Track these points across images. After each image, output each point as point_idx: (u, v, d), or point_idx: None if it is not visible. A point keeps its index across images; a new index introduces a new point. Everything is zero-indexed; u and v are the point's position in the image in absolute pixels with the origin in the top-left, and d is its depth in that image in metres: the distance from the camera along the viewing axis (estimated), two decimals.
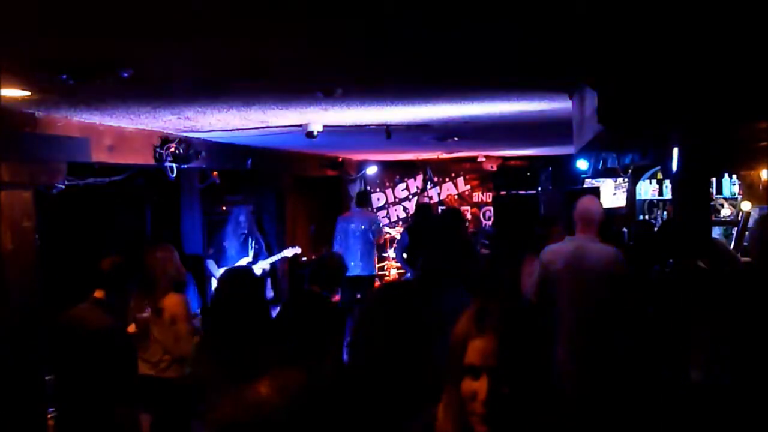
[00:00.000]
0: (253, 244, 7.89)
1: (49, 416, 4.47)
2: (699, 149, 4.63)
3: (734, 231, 9.09)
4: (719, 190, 9.80)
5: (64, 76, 3.23)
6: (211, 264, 7.71)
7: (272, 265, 8.02)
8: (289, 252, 8.01)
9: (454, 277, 5.09)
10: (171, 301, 4.50)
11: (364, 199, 9.24)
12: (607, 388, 4.38)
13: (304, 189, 10.27)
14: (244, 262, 7.78)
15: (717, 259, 5.42)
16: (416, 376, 2.63)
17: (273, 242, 8.46)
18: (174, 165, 5.86)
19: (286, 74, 3.66)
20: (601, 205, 4.79)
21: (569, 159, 10.43)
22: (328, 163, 10.15)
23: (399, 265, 9.78)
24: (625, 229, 8.67)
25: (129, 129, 5.47)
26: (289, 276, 8.98)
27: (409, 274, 8.37)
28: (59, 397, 4.19)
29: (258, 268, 7.79)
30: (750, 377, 2.82)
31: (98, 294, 4.09)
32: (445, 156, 11.32)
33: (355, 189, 11.90)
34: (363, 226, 8.85)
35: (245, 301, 3.50)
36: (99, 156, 5.08)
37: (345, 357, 4.41)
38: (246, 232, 7.84)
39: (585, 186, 10.42)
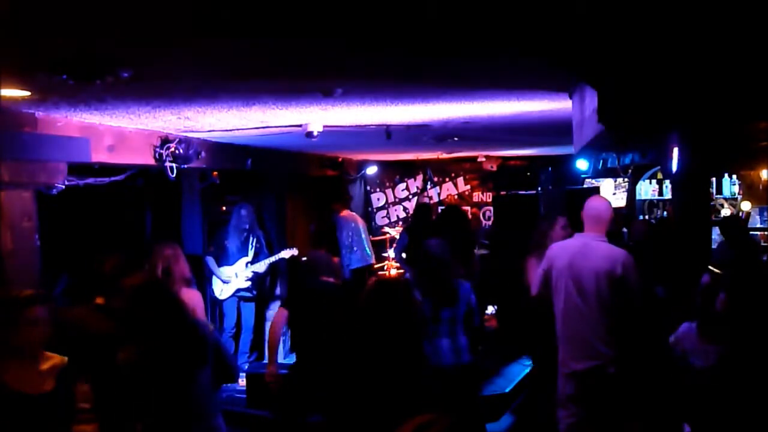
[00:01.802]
0: (254, 243, 7.88)
1: None
2: (699, 149, 4.63)
3: None
4: (719, 190, 9.81)
5: (64, 76, 3.24)
6: (211, 261, 7.71)
7: (271, 265, 8.02)
8: (286, 253, 8.03)
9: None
10: (187, 296, 4.53)
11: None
12: (609, 387, 4.38)
13: (304, 189, 10.26)
14: (242, 261, 7.77)
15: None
16: (407, 371, 2.64)
17: (273, 242, 8.47)
18: (174, 165, 5.86)
19: (286, 74, 3.67)
20: (610, 204, 4.80)
21: (569, 159, 10.43)
22: (328, 163, 10.15)
23: (399, 264, 9.79)
24: (625, 229, 8.67)
25: (129, 129, 5.47)
26: (288, 274, 8.98)
27: (408, 274, 8.39)
28: None
29: (249, 272, 7.81)
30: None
31: (99, 300, 4.09)
32: (445, 156, 11.32)
33: (356, 189, 11.92)
34: (353, 224, 9.88)
35: (161, 310, 3.60)
36: (99, 156, 5.08)
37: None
38: (248, 227, 7.83)
39: (585, 186, 10.43)
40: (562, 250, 4.63)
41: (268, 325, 8.62)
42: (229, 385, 7.06)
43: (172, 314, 3.66)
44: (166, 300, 3.69)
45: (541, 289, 4.70)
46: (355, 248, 9.82)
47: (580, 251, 4.50)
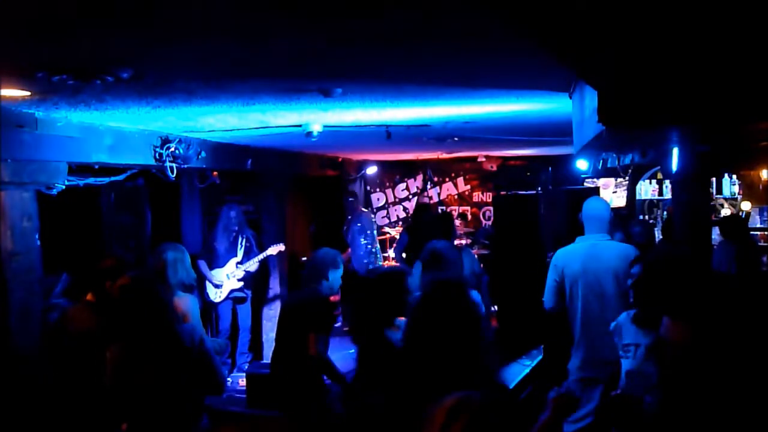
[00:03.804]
0: (243, 242, 7.87)
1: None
2: (699, 149, 4.62)
3: None
4: (719, 190, 9.82)
5: (64, 76, 3.23)
6: (203, 265, 7.70)
7: (261, 263, 8.01)
8: (273, 250, 8.02)
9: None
10: (178, 302, 4.52)
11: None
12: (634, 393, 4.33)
13: (304, 189, 10.27)
14: (233, 262, 7.77)
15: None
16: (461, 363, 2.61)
17: (273, 242, 8.46)
18: (174, 165, 5.86)
19: (286, 74, 3.66)
20: (608, 204, 4.80)
21: (569, 159, 10.42)
22: (328, 163, 10.16)
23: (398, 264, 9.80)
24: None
25: (129, 129, 5.47)
26: (288, 276, 9.00)
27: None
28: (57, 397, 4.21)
29: (241, 272, 7.80)
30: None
31: (89, 297, 4.09)
32: (445, 156, 11.32)
33: (356, 189, 11.93)
34: (359, 224, 10.00)
35: (146, 311, 3.60)
36: (99, 156, 5.08)
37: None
38: (236, 229, 7.83)
39: (585, 186, 10.43)
40: (571, 255, 4.54)
41: (266, 325, 8.64)
42: (228, 385, 7.07)
43: (156, 316, 3.65)
44: (151, 301, 3.68)
45: (557, 302, 4.60)
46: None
47: (590, 254, 4.44)
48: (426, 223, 8.20)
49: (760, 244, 8.93)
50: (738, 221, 7.33)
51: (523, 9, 2.39)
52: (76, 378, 3.95)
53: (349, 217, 10.22)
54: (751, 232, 9.10)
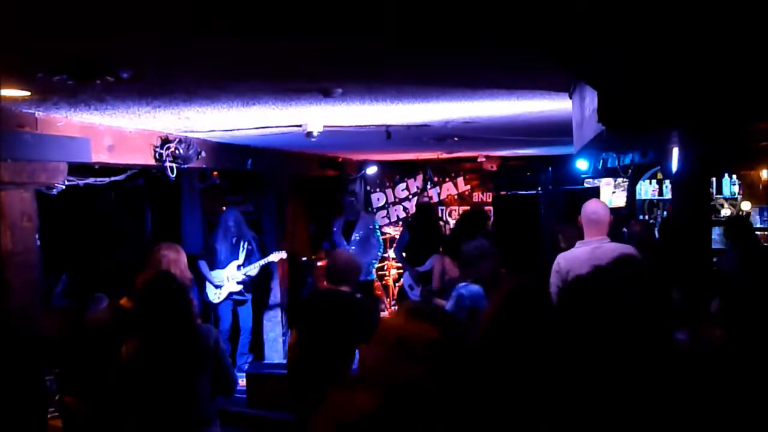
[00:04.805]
0: (245, 245, 7.87)
1: (49, 416, 4.48)
2: (699, 149, 4.63)
3: None
4: (719, 190, 9.81)
5: (64, 76, 3.23)
6: (203, 265, 7.69)
7: (262, 268, 7.99)
8: (275, 257, 8.00)
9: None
10: None
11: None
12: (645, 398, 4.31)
13: (304, 189, 10.26)
14: (234, 265, 7.77)
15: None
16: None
17: (272, 242, 8.47)
18: (174, 165, 5.86)
19: (287, 74, 3.67)
20: (606, 206, 4.79)
21: (569, 159, 10.43)
22: (328, 163, 10.15)
23: (399, 264, 9.78)
24: (625, 230, 8.67)
25: (129, 129, 5.47)
26: (289, 278, 8.99)
27: (408, 272, 8.39)
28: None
29: (241, 276, 7.80)
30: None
31: (124, 301, 4.15)
32: (445, 156, 11.31)
33: (356, 189, 11.92)
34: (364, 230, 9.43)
35: (170, 306, 3.61)
36: (99, 156, 5.08)
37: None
38: (236, 235, 7.83)
39: (585, 186, 10.44)
40: (574, 260, 4.49)
41: (266, 325, 8.64)
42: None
43: (177, 313, 3.67)
44: (173, 298, 3.70)
45: (562, 308, 4.56)
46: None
47: (595, 258, 4.41)
48: (463, 222, 8.20)
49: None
50: (742, 223, 7.30)
51: (523, 14, 2.39)
52: (89, 372, 3.97)
53: (346, 218, 9.90)
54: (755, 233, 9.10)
